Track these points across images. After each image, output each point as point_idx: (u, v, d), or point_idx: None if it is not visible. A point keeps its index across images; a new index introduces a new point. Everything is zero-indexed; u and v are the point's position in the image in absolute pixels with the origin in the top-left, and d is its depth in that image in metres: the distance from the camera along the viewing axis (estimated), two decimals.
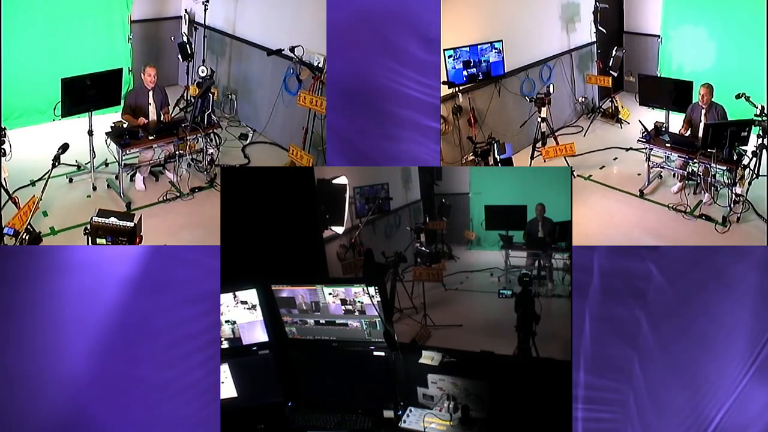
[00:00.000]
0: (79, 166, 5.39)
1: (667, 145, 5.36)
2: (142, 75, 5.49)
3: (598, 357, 3.82)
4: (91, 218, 3.87)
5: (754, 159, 4.91)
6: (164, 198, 5.20)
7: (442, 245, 7.98)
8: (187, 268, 3.84)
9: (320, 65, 5.34)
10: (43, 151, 4.65)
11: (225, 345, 3.74)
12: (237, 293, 3.66)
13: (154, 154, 5.33)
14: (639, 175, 5.63)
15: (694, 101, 5.47)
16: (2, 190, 4.56)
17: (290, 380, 3.67)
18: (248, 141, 6.09)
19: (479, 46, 5.65)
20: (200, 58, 6.53)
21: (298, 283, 3.59)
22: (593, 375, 3.81)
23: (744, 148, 4.91)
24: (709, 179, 5.06)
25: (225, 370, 3.68)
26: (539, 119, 5.76)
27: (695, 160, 5.13)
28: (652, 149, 5.46)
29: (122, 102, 5.48)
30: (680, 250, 3.99)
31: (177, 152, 5.30)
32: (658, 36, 6.64)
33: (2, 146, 4.65)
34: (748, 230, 4.81)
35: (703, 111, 5.38)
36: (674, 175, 5.47)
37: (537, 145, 5.75)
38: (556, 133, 5.97)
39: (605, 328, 3.82)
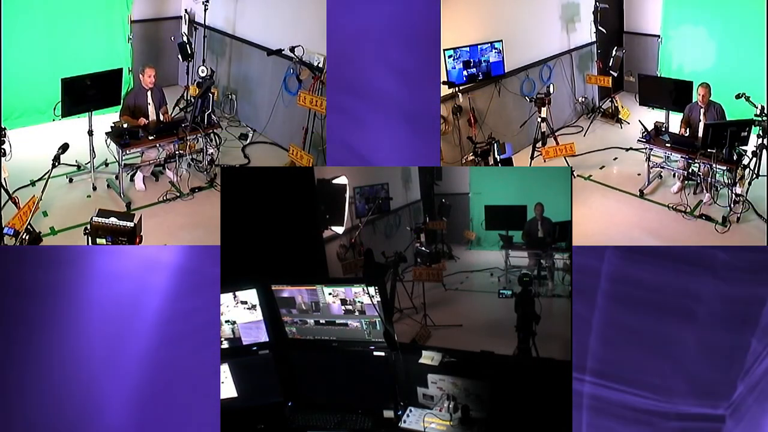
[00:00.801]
0: (79, 166, 5.39)
1: (667, 145, 5.36)
2: (141, 75, 5.49)
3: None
4: (91, 218, 3.87)
5: (754, 159, 4.91)
6: (164, 198, 5.20)
7: (442, 245, 7.97)
8: (187, 268, 3.84)
9: (320, 65, 5.34)
10: (43, 151, 4.66)
11: (225, 345, 3.74)
12: (237, 293, 3.66)
13: (158, 154, 5.33)
14: (639, 175, 5.63)
15: (693, 101, 5.48)
16: (2, 190, 4.56)
17: (290, 380, 3.67)
18: (248, 141, 6.09)
19: (479, 46, 5.65)
20: (200, 58, 6.53)
21: (298, 283, 3.59)
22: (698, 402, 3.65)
23: (744, 148, 4.91)
24: (709, 179, 5.06)
25: (225, 370, 3.68)
26: (539, 119, 5.76)
27: (695, 160, 5.13)
28: (652, 149, 5.46)
29: (122, 102, 5.49)
30: None
31: (177, 152, 5.30)
32: (658, 36, 6.64)
33: (2, 146, 4.65)
34: (748, 230, 4.82)
35: (702, 110, 5.38)
36: (674, 175, 5.47)
37: (537, 145, 5.74)
38: (556, 133, 5.97)
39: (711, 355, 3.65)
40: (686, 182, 5.33)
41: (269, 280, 3.64)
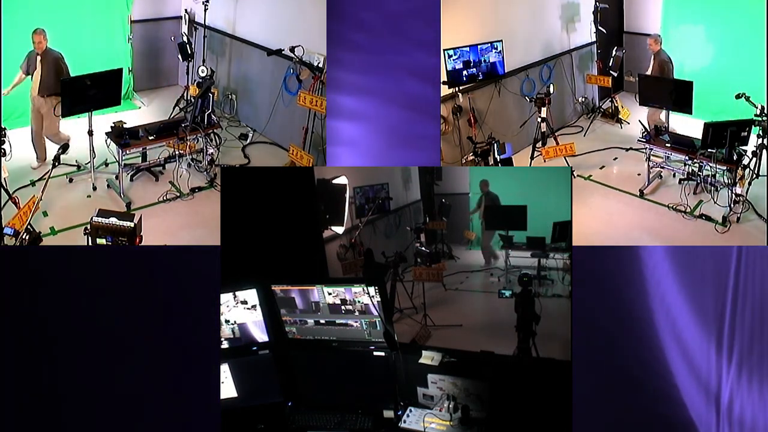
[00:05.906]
0: (79, 166, 5.39)
1: (667, 145, 5.37)
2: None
3: None
4: (91, 218, 3.87)
5: (754, 159, 4.92)
6: (164, 198, 5.21)
7: (442, 245, 7.98)
8: (187, 268, 3.84)
9: (320, 65, 5.34)
10: None
11: (225, 345, 3.74)
12: (237, 293, 3.66)
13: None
14: (639, 175, 5.64)
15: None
16: (2, 190, 4.56)
17: (290, 380, 3.66)
18: (248, 141, 6.08)
19: (479, 46, 5.64)
20: (200, 58, 6.52)
21: (298, 283, 3.59)
22: None
23: (744, 148, 4.91)
24: (709, 179, 5.07)
25: (225, 370, 3.68)
26: (539, 119, 5.75)
27: (695, 160, 5.13)
28: (652, 149, 5.46)
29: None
30: None
31: (177, 152, 5.31)
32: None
33: (2, 146, 4.65)
34: (748, 230, 4.82)
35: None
36: (674, 175, 5.47)
37: (537, 145, 5.74)
38: (556, 133, 5.97)
39: None
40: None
41: (269, 280, 3.64)
